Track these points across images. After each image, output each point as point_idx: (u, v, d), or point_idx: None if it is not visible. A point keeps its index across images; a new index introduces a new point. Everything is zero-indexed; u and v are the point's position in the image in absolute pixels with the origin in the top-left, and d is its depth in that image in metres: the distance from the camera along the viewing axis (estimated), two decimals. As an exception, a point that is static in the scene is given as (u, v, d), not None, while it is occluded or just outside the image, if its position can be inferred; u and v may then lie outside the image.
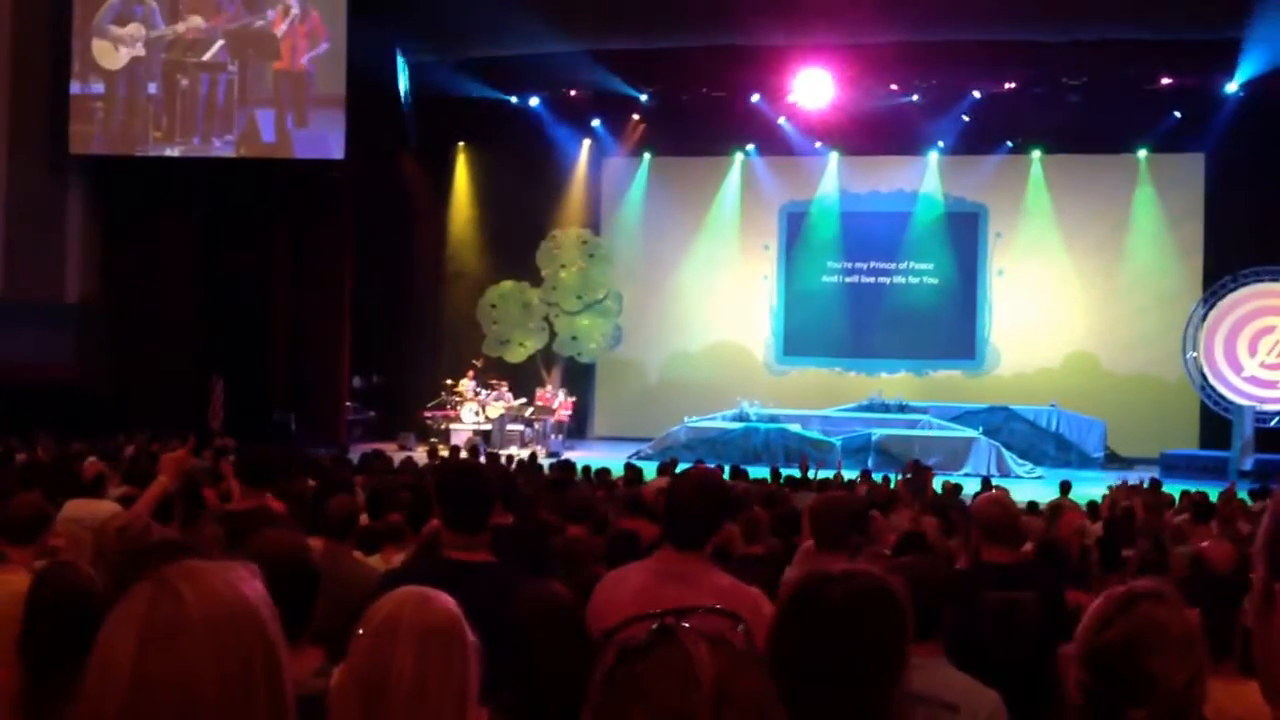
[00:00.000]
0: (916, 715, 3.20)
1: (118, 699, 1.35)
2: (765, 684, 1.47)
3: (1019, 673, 3.91)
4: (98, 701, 1.37)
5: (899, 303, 25.54)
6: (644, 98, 23.94)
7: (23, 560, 4.57)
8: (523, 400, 23.43)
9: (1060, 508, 10.67)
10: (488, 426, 22.59)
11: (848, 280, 25.94)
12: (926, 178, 25.38)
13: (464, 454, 15.90)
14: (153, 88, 21.23)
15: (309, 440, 20.01)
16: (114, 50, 21.10)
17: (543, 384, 24.73)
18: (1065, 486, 12.64)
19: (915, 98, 23.18)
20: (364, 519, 7.84)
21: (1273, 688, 1.40)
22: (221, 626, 1.40)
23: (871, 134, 23.88)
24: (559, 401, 23.79)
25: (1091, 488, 14.59)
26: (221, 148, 21.24)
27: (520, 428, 22.99)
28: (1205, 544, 4.60)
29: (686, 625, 1.48)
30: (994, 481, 15.52)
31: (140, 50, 21.13)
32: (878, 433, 21.87)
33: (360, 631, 2.04)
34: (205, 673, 1.37)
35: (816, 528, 4.87)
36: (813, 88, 22.68)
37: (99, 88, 21.19)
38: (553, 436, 23.19)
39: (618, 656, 1.47)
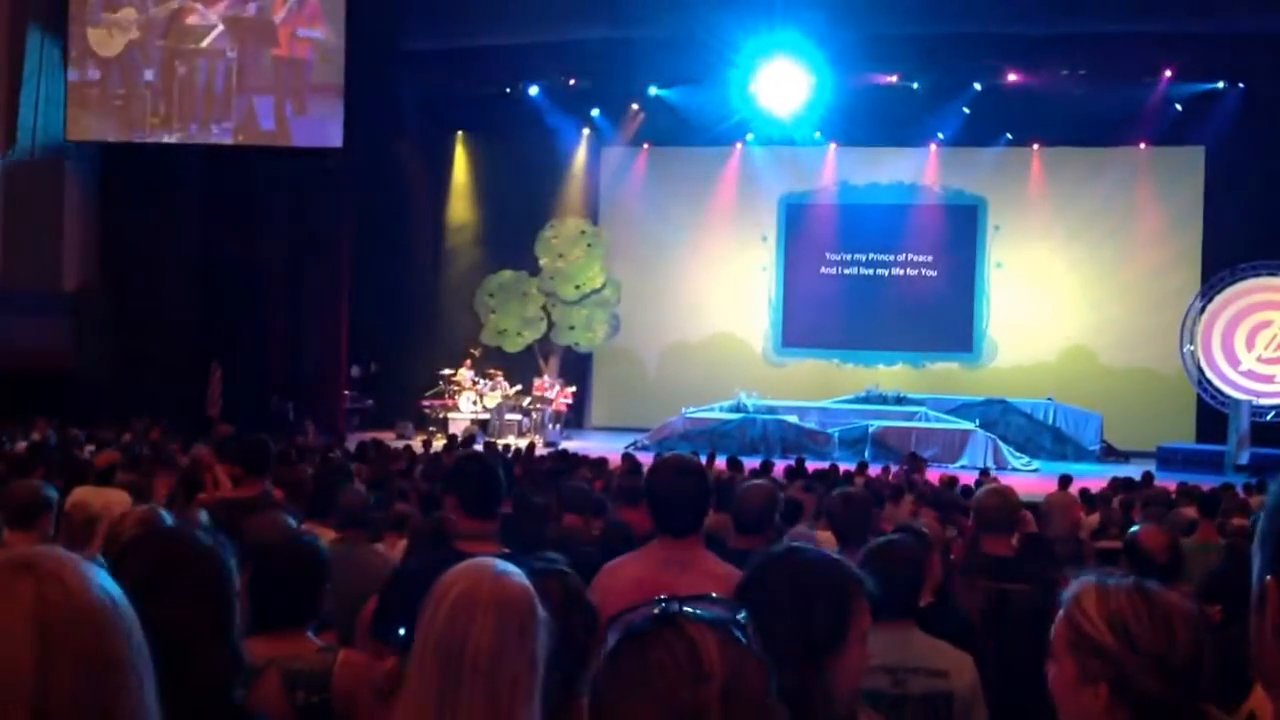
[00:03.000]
0: (911, 685, 3.32)
1: (25, 681, 1.31)
2: (768, 680, 1.46)
3: (1011, 662, 3.94)
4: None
5: (897, 295, 25.55)
6: (650, 90, 23.91)
7: (23, 546, 4.59)
8: (519, 389, 23.44)
9: (1054, 505, 10.71)
10: (485, 416, 22.61)
11: (846, 272, 25.95)
12: (926, 169, 25.37)
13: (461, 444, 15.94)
14: (150, 74, 21.20)
15: (302, 428, 20.05)
16: (109, 36, 21.08)
17: (540, 374, 24.73)
18: (1064, 480, 12.61)
19: (915, 85, 23.12)
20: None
21: (1270, 681, 1.41)
22: (119, 612, 1.38)
23: (871, 125, 23.87)
24: (556, 391, 23.79)
25: (1088, 481, 14.60)
26: (220, 135, 21.23)
27: (518, 417, 23.01)
28: (1139, 529, 4.64)
29: (690, 610, 1.48)
30: (990, 474, 15.56)
31: (135, 33, 21.09)
32: (874, 425, 21.86)
33: (435, 604, 2.09)
34: (107, 654, 1.35)
35: None
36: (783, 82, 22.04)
37: (96, 74, 21.17)
38: (550, 426, 23.19)
39: (623, 640, 1.47)
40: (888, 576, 3.53)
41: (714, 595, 1.61)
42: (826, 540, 5.35)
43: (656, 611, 1.47)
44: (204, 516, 5.02)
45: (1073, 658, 2.09)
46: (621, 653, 1.45)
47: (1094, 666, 2.06)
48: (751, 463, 14.53)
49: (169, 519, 4.39)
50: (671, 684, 1.39)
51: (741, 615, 1.51)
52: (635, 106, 25.04)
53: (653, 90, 23.89)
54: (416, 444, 19.15)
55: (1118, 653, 2.04)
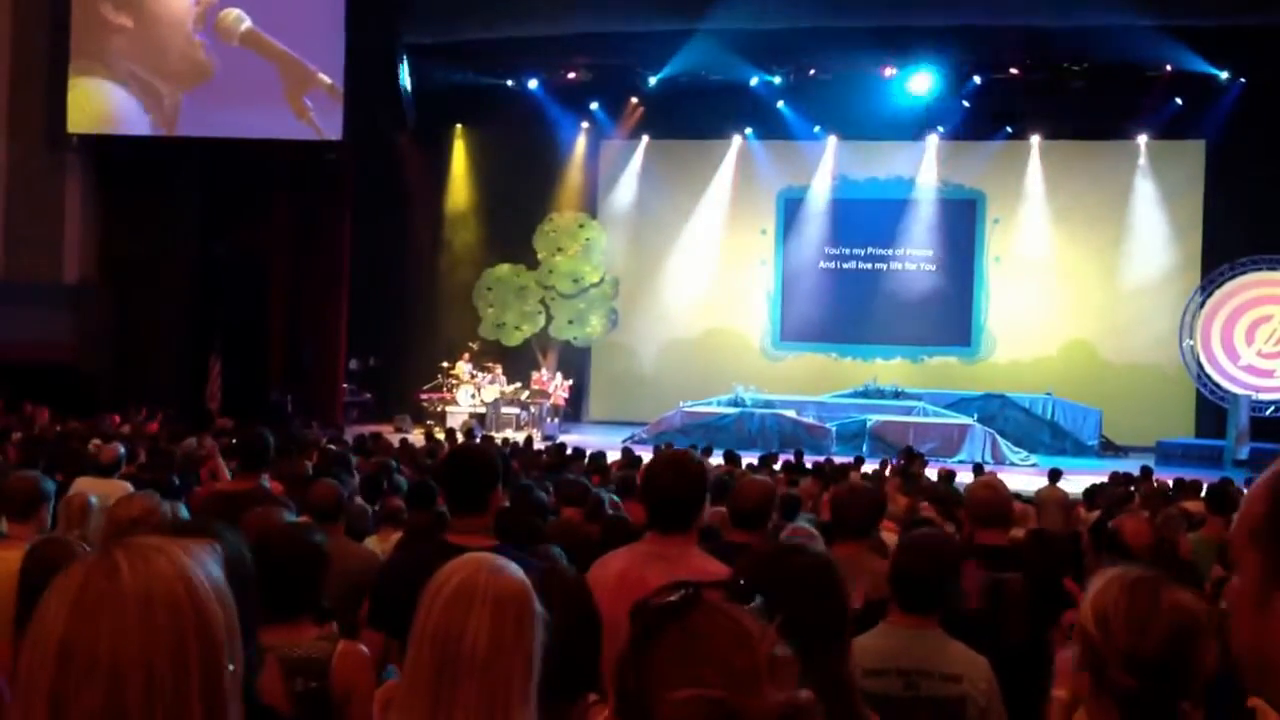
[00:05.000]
0: (923, 688, 3.31)
1: (47, 671, 1.33)
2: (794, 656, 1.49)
3: (1006, 650, 3.96)
4: (30, 673, 1.34)
5: (895, 289, 25.55)
6: (651, 81, 23.86)
7: (22, 536, 4.61)
8: (518, 384, 23.45)
9: (1045, 500, 10.75)
10: (483, 409, 22.61)
11: (844, 266, 25.94)
12: (925, 163, 25.35)
13: (460, 437, 15.94)
14: (150, 68, 21.17)
15: (305, 421, 20.04)
16: (110, 30, 21.05)
17: (538, 368, 24.74)
18: (1054, 474, 12.64)
19: (924, 79, 23.07)
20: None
21: (1269, 688, 1.40)
22: (154, 604, 1.35)
23: (870, 119, 23.84)
24: (555, 385, 23.80)
25: (1087, 476, 14.61)
26: (220, 128, 21.20)
27: (515, 411, 23.01)
28: (1121, 521, 4.65)
29: (708, 592, 1.50)
30: (988, 469, 15.56)
31: (136, 27, 21.06)
32: (872, 419, 21.89)
33: (431, 597, 2.09)
34: (130, 649, 1.33)
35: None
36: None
37: (97, 68, 21.15)
38: (548, 420, 23.20)
39: (660, 618, 1.47)
40: (915, 569, 3.53)
41: (728, 582, 1.64)
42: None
43: (680, 595, 1.49)
44: (183, 510, 4.99)
45: (1075, 642, 2.20)
46: (664, 629, 1.46)
47: (1082, 653, 2.14)
48: (750, 456, 14.55)
49: (168, 508, 4.40)
50: (726, 647, 1.42)
51: (756, 601, 1.54)
52: (634, 100, 25.02)
53: (651, 80, 23.79)
54: (415, 437, 19.15)
55: (1097, 643, 2.11)
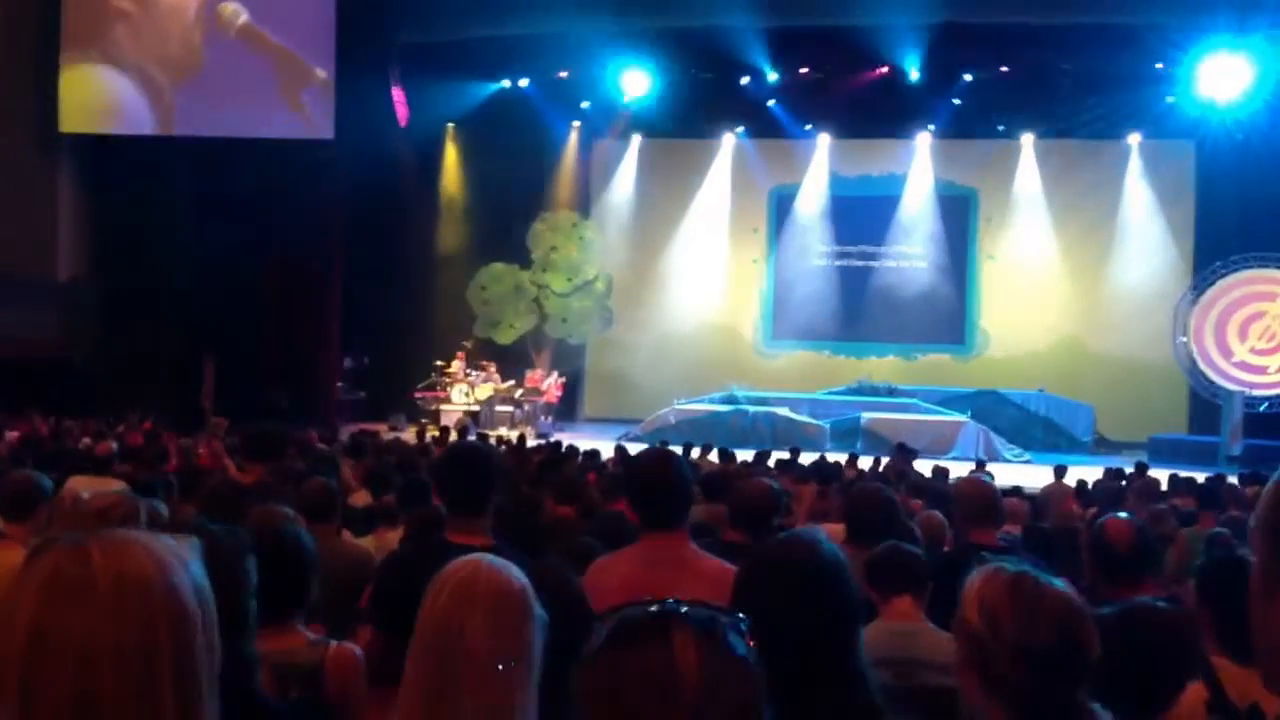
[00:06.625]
0: (915, 678, 3.32)
1: (17, 659, 1.31)
2: (755, 690, 1.38)
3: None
4: (0, 661, 1.32)
5: (888, 286, 25.58)
6: (639, 80, 23.78)
7: (19, 536, 4.60)
8: (511, 382, 23.43)
9: (1051, 495, 10.76)
10: (477, 408, 22.60)
11: (837, 264, 25.96)
12: (917, 161, 25.35)
13: (454, 435, 15.93)
14: (144, 67, 21.13)
15: (300, 420, 20.00)
16: (103, 29, 21.01)
17: (532, 366, 24.73)
18: (1059, 471, 12.64)
19: (915, 75, 23.04)
20: (362, 498, 7.89)
21: (1274, 674, 1.41)
22: (126, 593, 1.33)
23: (862, 117, 23.83)
24: (549, 383, 23.79)
25: (1080, 472, 14.61)
26: (213, 127, 21.17)
27: (510, 409, 23.00)
28: (1106, 520, 4.65)
29: (684, 612, 1.40)
30: (985, 465, 15.56)
31: (130, 26, 21.02)
32: (866, 416, 21.90)
33: (432, 597, 2.09)
34: (101, 636, 1.31)
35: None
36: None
37: (90, 66, 21.11)
38: (542, 418, 23.19)
39: (604, 644, 1.40)
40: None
41: (717, 603, 1.54)
42: (835, 534, 5.33)
43: (650, 612, 1.41)
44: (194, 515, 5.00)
45: (958, 640, 2.18)
46: (599, 657, 1.39)
47: (968, 650, 2.14)
48: (744, 454, 14.53)
49: (139, 500, 4.37)
50: (639, 698, 1.34)
51: (744, 623, 1.43)
52: (626, 99, 24.94)
53: (642, 81, 23.70)
54: (409, 436, 19.12)
55: (984, 638, 2.11)
